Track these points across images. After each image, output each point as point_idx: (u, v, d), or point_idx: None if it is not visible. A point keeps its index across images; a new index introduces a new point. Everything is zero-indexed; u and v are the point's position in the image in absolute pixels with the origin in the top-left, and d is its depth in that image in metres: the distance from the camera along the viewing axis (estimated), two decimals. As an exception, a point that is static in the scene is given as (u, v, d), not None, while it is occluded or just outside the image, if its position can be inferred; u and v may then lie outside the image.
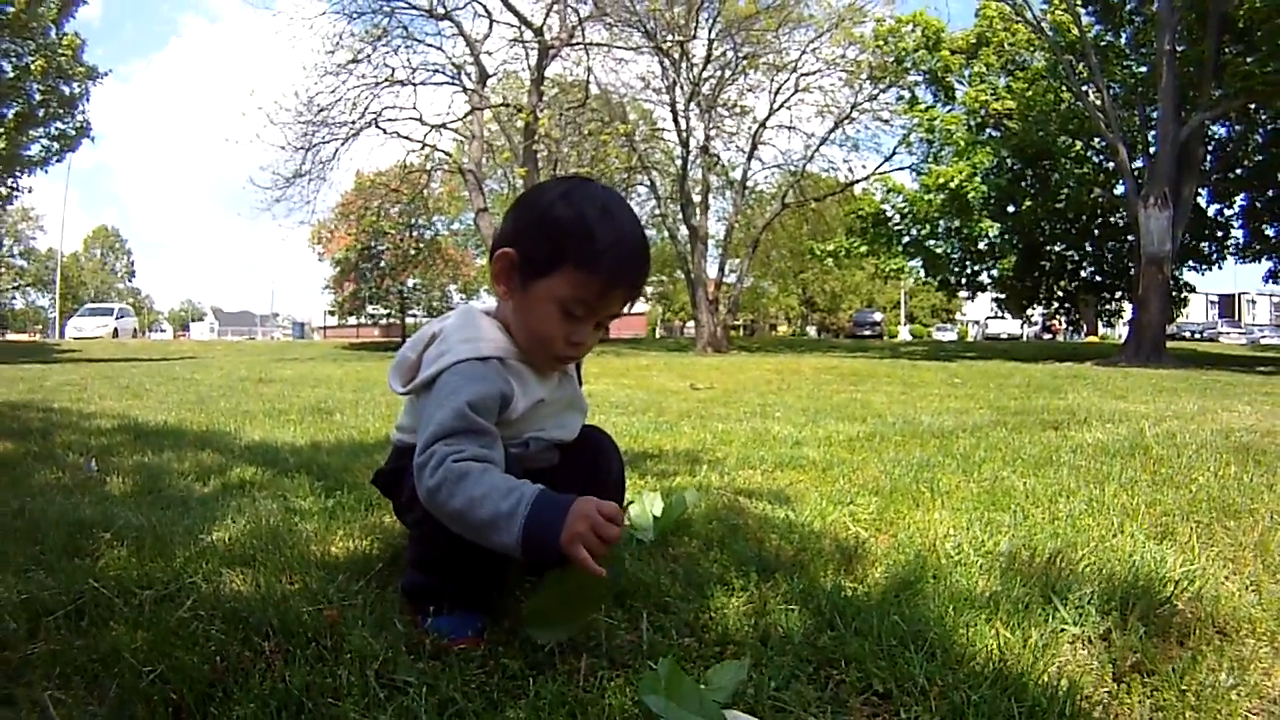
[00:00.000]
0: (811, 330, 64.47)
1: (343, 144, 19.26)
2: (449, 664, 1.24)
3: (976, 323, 63.06)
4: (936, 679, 1.18)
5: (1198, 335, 45.58)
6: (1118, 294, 23.26)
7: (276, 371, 9.75)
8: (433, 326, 1.51)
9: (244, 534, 1.93)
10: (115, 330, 32.33)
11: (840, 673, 1.22)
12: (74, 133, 18.35)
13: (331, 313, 38.93)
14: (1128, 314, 21.63)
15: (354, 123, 19.02)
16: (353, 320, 39.38)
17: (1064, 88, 18.89)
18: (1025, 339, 43.82)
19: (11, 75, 16.04)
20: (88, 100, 18.45)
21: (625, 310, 1.50)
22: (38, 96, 17.12)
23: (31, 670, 1.20)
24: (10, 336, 47.09)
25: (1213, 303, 67.47)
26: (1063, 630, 1.37)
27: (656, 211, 26.33)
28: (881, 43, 21.85)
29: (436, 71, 20.01)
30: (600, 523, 1.19)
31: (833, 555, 1.81)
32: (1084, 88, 17.87)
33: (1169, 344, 17.73)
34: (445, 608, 1.36)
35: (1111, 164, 19.22)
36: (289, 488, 2.57)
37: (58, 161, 18.61)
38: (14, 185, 17.66)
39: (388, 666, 1.22)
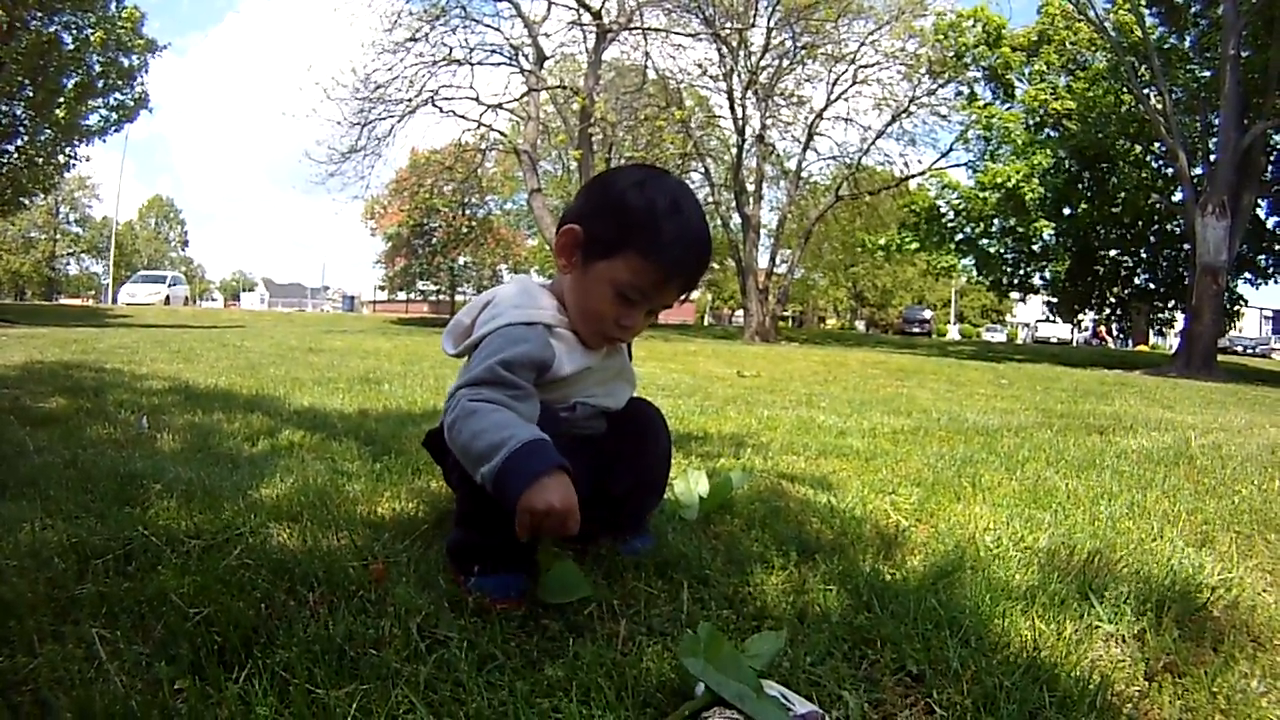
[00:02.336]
0: (860, 325, 63.96)
1: (399, 121, 19.39)
2: (490, 622, 1.27)
3: (1026, 325, 62.05)
4: (970, 663, 1.19)
5: (1250, 350, 44.44)
6: (1170, 303, 22.70)
7: (326, 342, 9.86)
8: (488, 294, 1.56)
9: (291, 491, 1.99)
10: (167, 297, 32.78)
11: (875, 653, 1.23)
12: (132, 104, 18.67)
13: (382, 287, 39.47)
14: (1179, 324, 21.14)
15: (410, 100, 19.13)
16: (402, 295, 39.94)
17: (1125, 90, 18.45)
18: (1075, 344, 42.98)
19: (72, 47, 16.37)
20: (146, 72, 18.75)
21: (678, 303, 1.55)
22: (97, 68, 17.44)
23: (79, 609, 1.24)
24: (64, 301, 48.24)
25: (1267, 318, 65.43)
26: (1097, 627, 1.37)
27: (710, 199, 26.16)
28: (942, 37, 21.47)
29: (494, 52, 20.04)
30: (556, 512, 1.18)
31: (873, 541, 1.82)
32: (1145, 90, 17.42)
33: (1220, 357, 17.30)
34: (488, 568, 1.39)
35: (1170, 169, 18.74)
36: (337, 451, 2.62)
37: (115, 131, 18.95)
38: (72, 154, 18.03)
39: (430, 621, 1.25)
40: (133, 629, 1.19)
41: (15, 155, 16.71)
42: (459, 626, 1.25)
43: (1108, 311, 24.77)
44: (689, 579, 1.49)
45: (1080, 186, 20.74)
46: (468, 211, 32.23)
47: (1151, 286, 22.66)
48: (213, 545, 1.54)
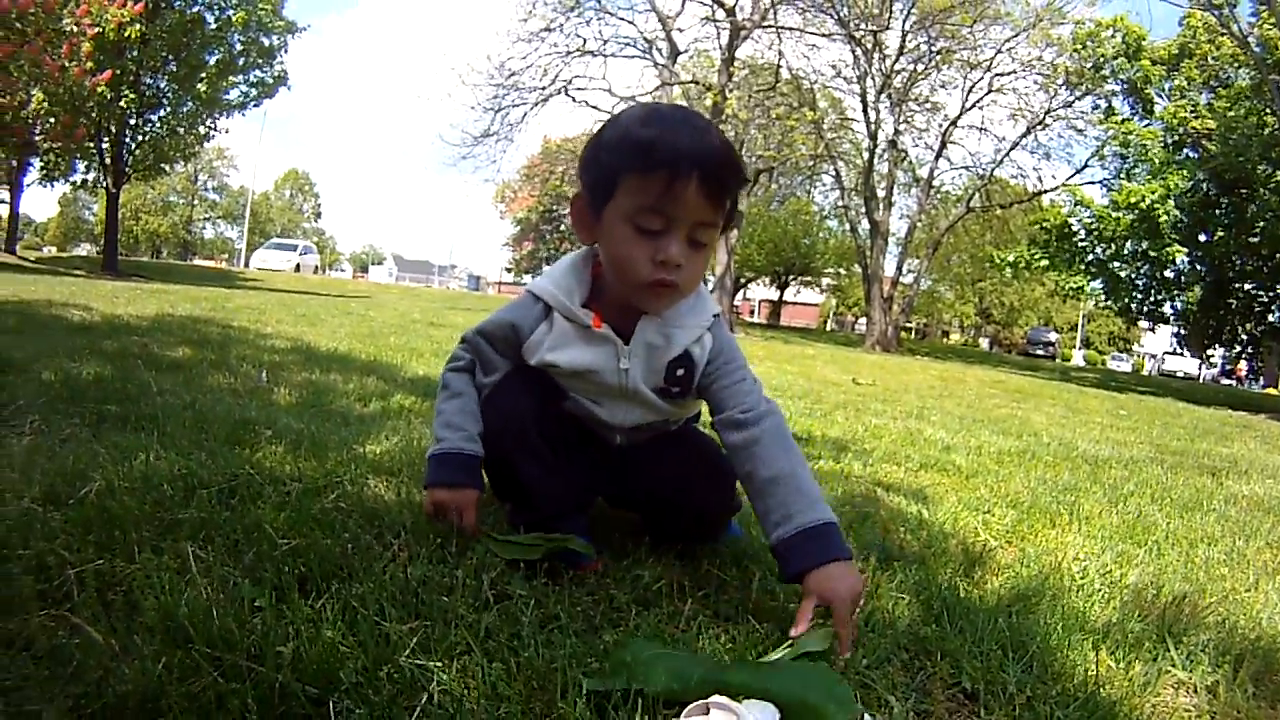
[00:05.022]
0: (984, 342, 61.99)
1: (531, 109, 19.93)
2: (561, 585, 1.33)
3: (1153, 356, 58.86)
4: (1027, 689, 1.17)
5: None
6: (1307, 344, 21.11)
7: (448, 317, 10.12)
8: None
9: (395, 449, 2.10)
10: (298, 265, 33.82)
11: (933, 665, 1.23)
12: (271, 81, 19.51)
13: (508, 269, 40.42)
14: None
15: (543, 89, 19.61)
16: (528, 278, 40.78)
17: (1269, 110, 17.19)
18: (1202, 380, 40.56)
19: (214, 26, 17.27)
20: (285, 52, 19.53)
21: (718, 219, 1.34)
22: (238, 46, 18.33)
23: (179, 530, 1.36)
24: (198, 262, 51.07)
25: None
26: (1169, 672, 1.32)
27: (840, 202, 25.88)
28: (1080, 46, 20.54)
29: (627, 45, 20.34)
30: (443, 510, 1.46)
31: (956, 556, 1.80)
32: (1291, 112, 16.23)
33: (1356, 408, 15.97)
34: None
35: (1314, 200, 17.40)
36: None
37: (255, 106, 19.78)
38: (212, 125, 18.97)
39: (503, 577, 1.32)
40: (226, 552, 1.30)
41: (158, 124, 17.68)
42: (529, 586, 1.31)
43: (1238, 349, 23.23)
44: (763, 570, 1.51)
45: (1217, 212, 19.45)
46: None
47: (1288, 325, 21.11)
48: (312, 489, 1.65)
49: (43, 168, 18.21)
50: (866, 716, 1.01)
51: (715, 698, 0.97)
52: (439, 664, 1.03)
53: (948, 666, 1.22)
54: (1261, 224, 18.38)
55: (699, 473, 1.53)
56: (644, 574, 1.42)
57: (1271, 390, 33.67)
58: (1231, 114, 18.25)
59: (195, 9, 16.86)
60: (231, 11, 17.40)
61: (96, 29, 14.65)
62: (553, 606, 1.24)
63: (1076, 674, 1.26)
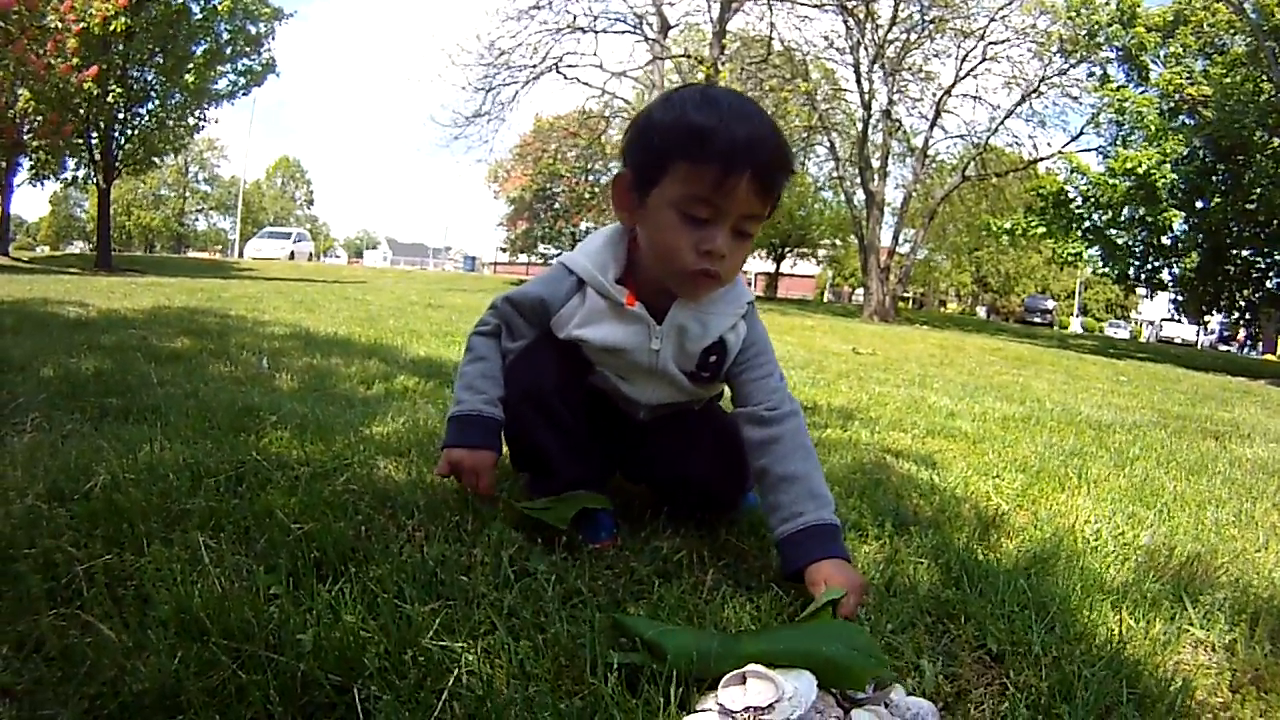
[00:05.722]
0: (981, 311, 61.93)
1: (523, 87, 19.72)
2: (580, 560, 1.32)
3: (1151, 323, 58.88)
4: (1052, 649, 1.17)
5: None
6: (1304, 310, 21.10)
7: (446, 299, 10.12)
8: None
9: (402, 430, 2.09)
10: (292, 253, 33.77)
11: (958, 628, 1.23)
12: (260, 69, 19.33)
13: (503, 249, 40.23)
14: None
15: (534, 67, 19.42)
16: (523, 258, 40.63)
17: (1265, 77, 17.09)
18: (1200, 347, 40.61)
19: (200, 16, 17.12)
20: (273, 39, 19.36)
21: (765, 211, 1.32)
22: (225, 35, 18.17)
23: (188, 520, 1.34)
24: (192, 254, 50.92)
25: None
26: (1187, 630, 1.32)
27: (835, 174, 25.68)
28: (1074, 14, 20.39)
29: (618, 20, 20.13)
30: (465, 480, 1.44)
31: (970, 520, 1.81)
32: (1287, 79, 16.14)
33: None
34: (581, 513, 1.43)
35: (1311, 166, 17.35)
36: (449, 397, 2.70)
37: (244, 95, 19.61)
38: (201, 116, 18.85)
39: (522, 554, 1.31)
40: (237, 540, 1.28)
41: (147, 118, 17.54)
42: (549, 561, 1.30)
43: (1236, 315, 23.25)
44: (783, 539, 1.51)
45: (1214, 179, 19.39)
46: (591, 178, 32.47)
47: (1286, 291, 21.10)
48: (321, 472, 1.63)
49: (32, 166, 18.11)
50: (897, 685, 1.00)
51: (751, 666, 0.96)
52: (464, 645, 1.02)
53: (972, 629, 1.22)
54: (1259, 190, 18.33)
55: (719, 453, 1.52)
56: (663, 546, 1.42)
57: (1270, 356, 33.74)
58: (1228, 80, 18.15)
59: (180, 0, 16.69)
60: (217, 1, 17.24)
61: (81, 24, 14.54)
62: (573, 582, 1.23)
63: (1099, 634, 1.26)
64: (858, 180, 23.91)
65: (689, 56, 20.52)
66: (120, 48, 15.81)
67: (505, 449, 1.54)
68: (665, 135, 1.28)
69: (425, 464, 1.76)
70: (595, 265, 1.42)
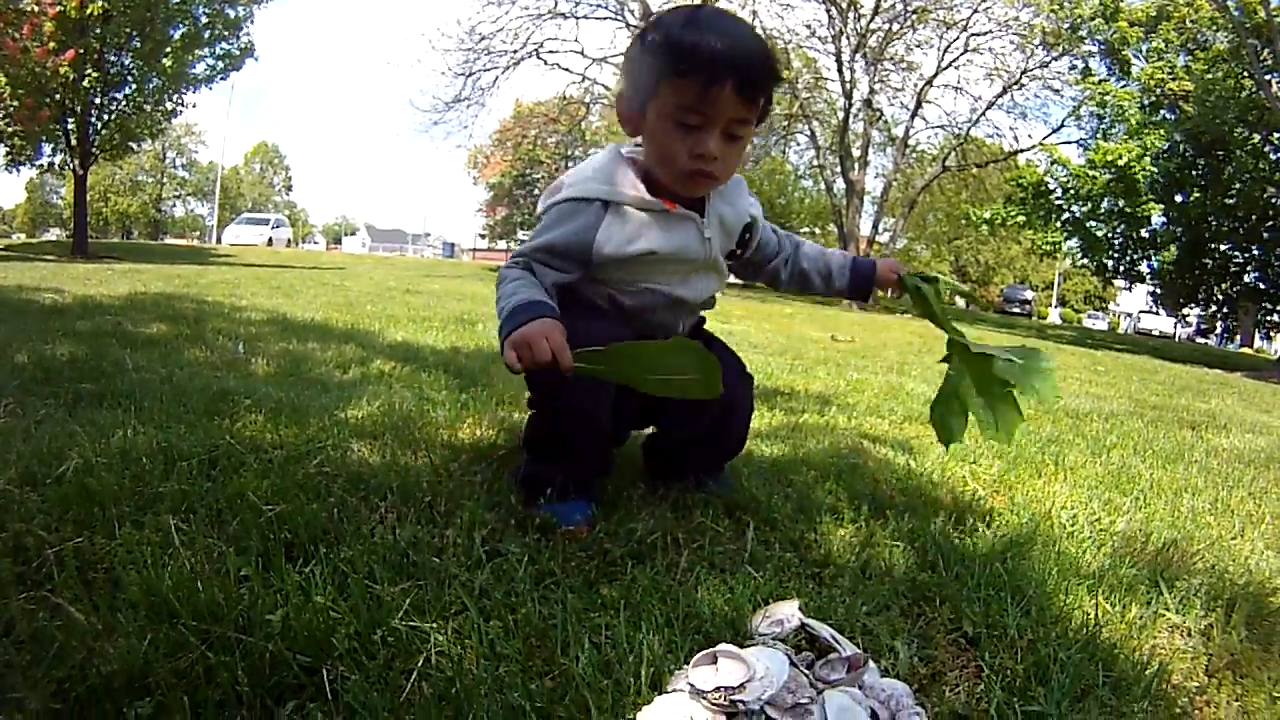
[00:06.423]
0: (960, 300, 62.37)
1: (503, 73, 19.68)
2: (554, 542, 1.32)
3: (1129, 315, 59.39)
4: (1027, 632, 1.18)
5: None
6: (1280, 305, 21.33)
7: (424, 285, 10.05)
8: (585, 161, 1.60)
9: (377, 413, 2.07)
10: (270, 239, 33.48)
11: (933, 610, 1.23)
12: (238, 53, 19.02)
13: (483, 236, 40.15)
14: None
15: (514, 52, 19.39)
16: (503, 244, 40.51)
17: (1246, 74, 17.23)
18: (1178, 339, 41.01)
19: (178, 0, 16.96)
20: (252, 23, 19.06)
21: (753, 116, 1.43)
22: (204, 19, 17.92)
23: (160, 503, 1.33)
24: (170, 240, 50.34)
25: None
26: (1163, 615, 1.33)
27: (815, 162, 25.71)
28: (1057, 7, 20.48)
29: (599, 5, 20.08)
30: (538, 349, 1.24)
31: (946, 505, 1.80)
32: (1268, 76, 16.24)
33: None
34: (557, 495, 1.43)
35: (1290, 161, 17.55)
36: (425, 381, 2.71)
37: (222, 80, 19.24)
38: (179, 101, 18.58)
39: (494, 535, 1.31)
40: (209, 523, 1.28)
41: (124, 102, 17.23)
42: (522, 543, 1.29)
43: (1214, 309, 23.49)
44: (757, 521, 1.52)
45: (1194, 173, 19.59)
46: (571, 164, 32.47)
47: (1262, 286, 21.31)
48: (295, 456, 1.62)
49: (7, 153, 17.75)
50: (871, 664, 1.00)
51: (722, 646, 0.96)
52: (434, 625, 1.01)
53: (948, 612, 1.23)
54: (1238, 185, 18.54)
55: (725, 414, 1.63)
56: (637, 527, 1.41)
57: (1247, 349, 34.13)
58: (1209, 76, 18.32)
59: (158, -19, 16.44)
60: (195, -17, 17.02)
61: (58, 8, 14.27)
62: (546, 563, 1.23)
63: (1075, 617, 1.26)
64: (838, 169, 23.95)
65: (670, 42, 20.45)
66: (98, 31, 15.54)
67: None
68: (654, 54, 1.40)
69: (399, 446, 1.75)
70: (618, 184, 1.48)
